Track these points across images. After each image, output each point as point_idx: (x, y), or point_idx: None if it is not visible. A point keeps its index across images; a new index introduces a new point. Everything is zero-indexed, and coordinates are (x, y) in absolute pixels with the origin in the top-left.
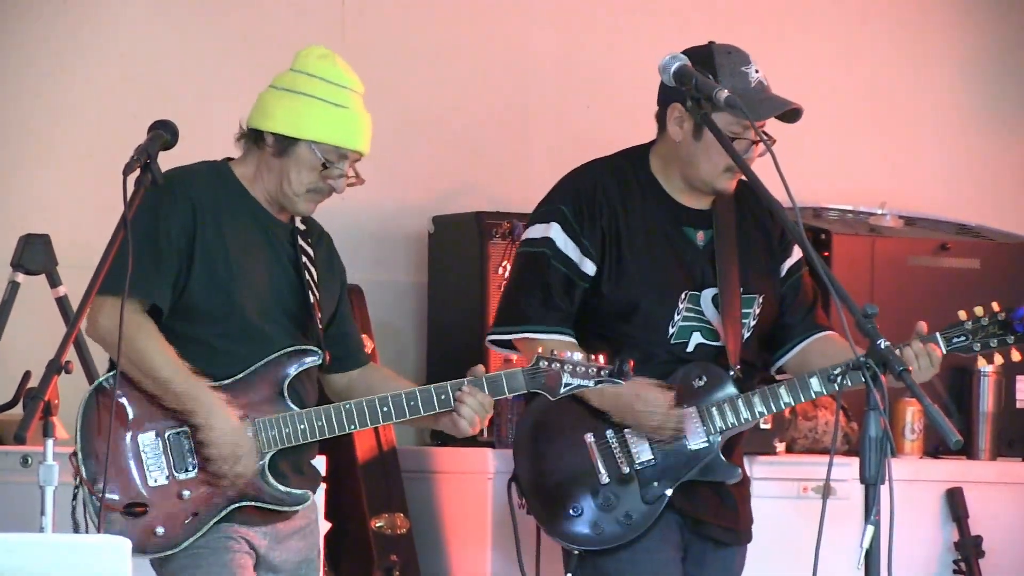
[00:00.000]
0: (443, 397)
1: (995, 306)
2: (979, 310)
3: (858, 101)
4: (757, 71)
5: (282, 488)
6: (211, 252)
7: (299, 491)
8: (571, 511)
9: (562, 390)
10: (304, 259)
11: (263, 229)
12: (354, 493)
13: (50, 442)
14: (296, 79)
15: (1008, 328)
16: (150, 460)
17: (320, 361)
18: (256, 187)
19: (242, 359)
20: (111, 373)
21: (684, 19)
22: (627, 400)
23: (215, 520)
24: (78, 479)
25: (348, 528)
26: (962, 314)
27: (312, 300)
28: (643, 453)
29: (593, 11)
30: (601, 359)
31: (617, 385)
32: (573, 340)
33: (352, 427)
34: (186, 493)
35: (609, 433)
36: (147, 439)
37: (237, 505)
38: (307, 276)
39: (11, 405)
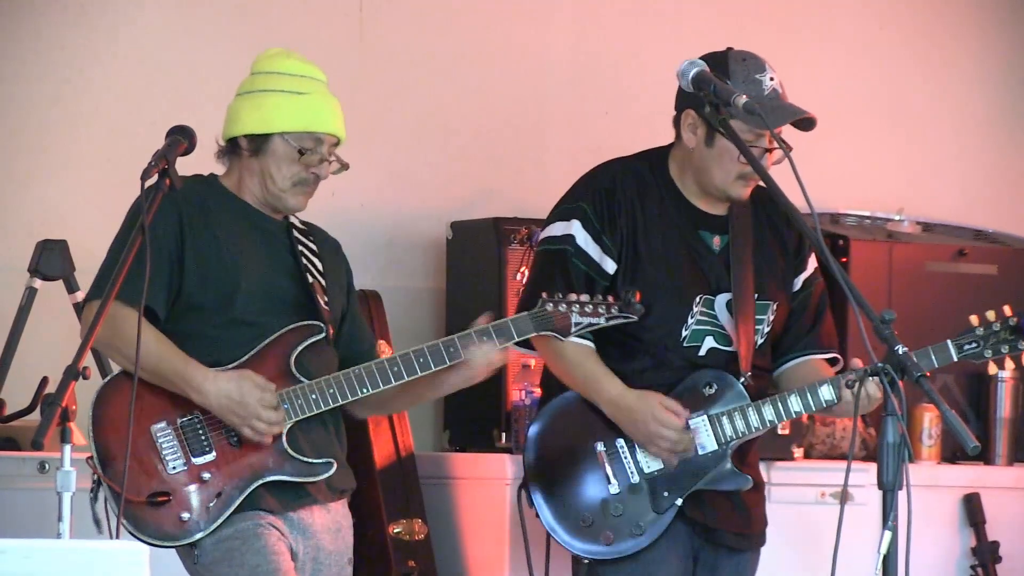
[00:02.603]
0: (451, 350)
1: (1007, 310)
2: (991, 315)
3: (876, 107)
4: (772, 78)
5: (304, 458)
6: (203, 250)
7: (321, 460)
8: (581, 521)
9: (573, 330)
10: (302, 248)
11: (255, 226)
12: (372, 499)
13: (67, 448)
14: (255, 80)
15: (1020, 333)
16: (166, 449)
17: (324, 335)
18: (244, 193)
19: (245, 346)
20: (109, 378)
21: (702, 25)
22: (642, 417)
23: (240, 499)
24: (96, 477)
25: (366, 534)
26: (974, 319)
27: (312, 281)
28: (653, 462)
29: (611, 17)
30: (611, 298)
31: (629, 320)
32: (592, 346)
33: (364, 391)
34: (206, 475)
35: (619, 442)
36: (160, 429)
37: (261, 481)
38: (305, 262)
39: (29, 411)
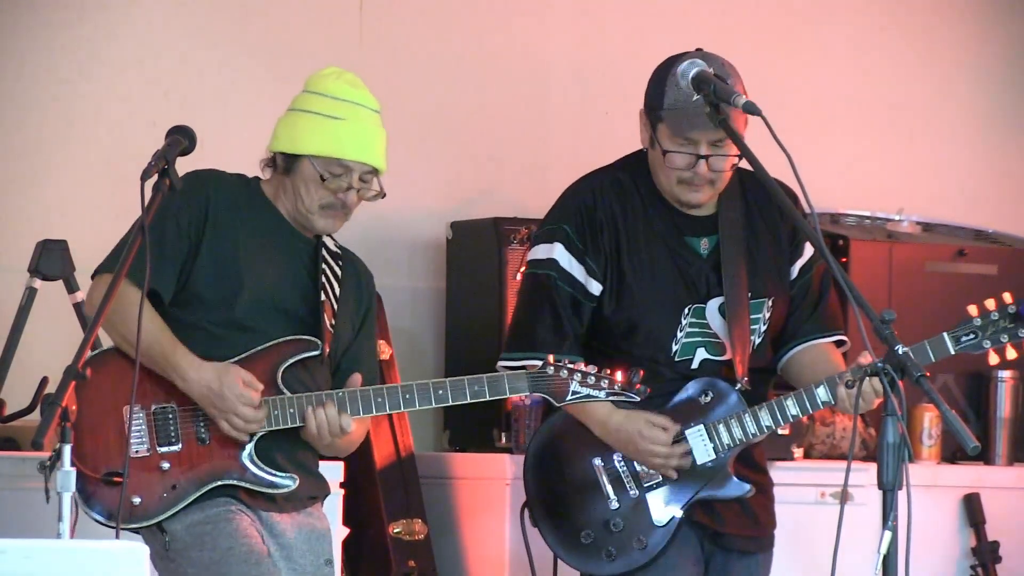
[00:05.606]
0: (476, 388)
1: (1007, 297)
2: (990, 303)
3: (876, 107)
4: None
5: (267, 468)
6: (219, 247)
7: (284, 474)
8: (582, 538)
9: (569, 397)
10: (325, 267)
11: (282, 238)
12: (372, 499)
13: (68, 448)
14: (300, 98)
15: (1019, 321)
16: (133, 432)
17: (319, 353)
18: (279, 204)
19: (239, 348)
20: (99, 351)
21: (702, 25)
22: (629, 436)
23: (195, 495)
24: (55, 450)
25: (366, 534)
26: (972, 309)
27: (323, 300)
28: (652, 475)
29: (611, 17)
30: (619, 375)
31: (631, 400)
32: None
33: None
34: (166, 465)
35: (616, 456)
36: (133, 412)
37: (220, 483)
38: (323, 281)
39: (29, 411)
